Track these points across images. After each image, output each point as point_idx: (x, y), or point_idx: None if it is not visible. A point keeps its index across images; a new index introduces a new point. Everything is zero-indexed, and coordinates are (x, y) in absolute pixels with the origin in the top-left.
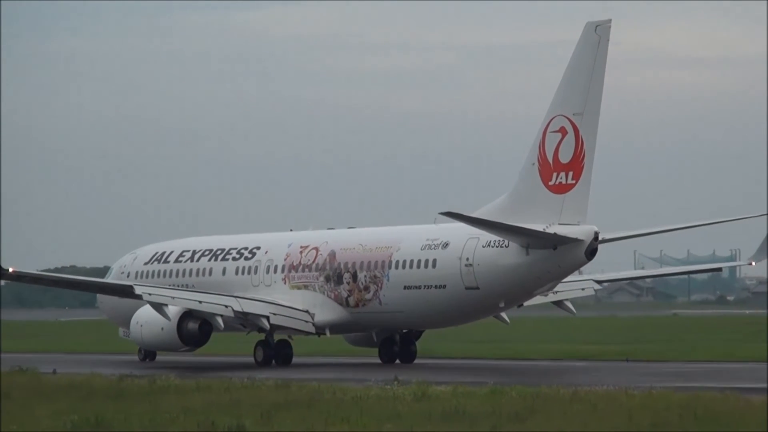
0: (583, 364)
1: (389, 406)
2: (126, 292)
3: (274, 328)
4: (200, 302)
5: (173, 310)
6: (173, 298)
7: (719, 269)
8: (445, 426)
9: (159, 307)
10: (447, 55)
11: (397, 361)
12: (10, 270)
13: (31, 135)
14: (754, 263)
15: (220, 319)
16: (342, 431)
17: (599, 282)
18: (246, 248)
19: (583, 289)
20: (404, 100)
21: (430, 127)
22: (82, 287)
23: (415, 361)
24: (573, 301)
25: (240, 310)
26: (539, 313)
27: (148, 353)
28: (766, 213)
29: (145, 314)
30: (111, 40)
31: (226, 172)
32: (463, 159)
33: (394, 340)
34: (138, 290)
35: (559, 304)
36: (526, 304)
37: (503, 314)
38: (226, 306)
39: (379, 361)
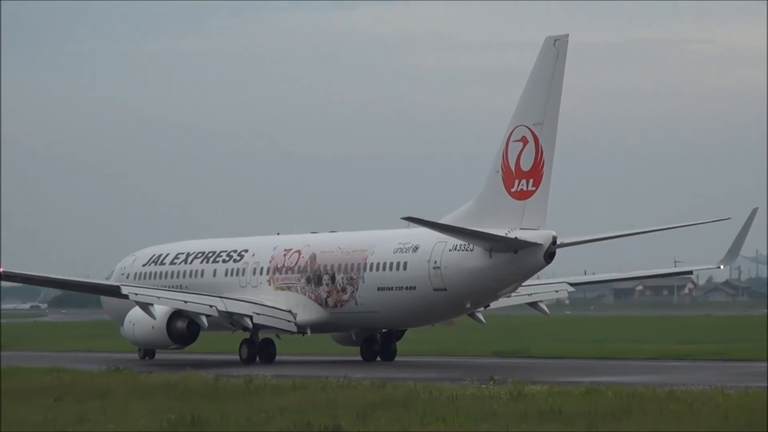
0: (679, 363)
1: (485, 406)
2: (113, 292)
3: (258, 327)
4: (185, 302)
5: (163, 310)
6: (159, 297)
7: (690, 272)
8: (541, 426)
9: (145, 306)
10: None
11: (378, 358)
12: (0, 270)
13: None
14: (722, 266)
15: (204, 318)
16: (438, 431)
17: (573, 285)
18: (235, 251)
19: (557, 291)
20: (495, 98)
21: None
22: (72, 287)
23: (396, 359)
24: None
25: (224, 309)
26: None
27: (147, 351)
28: (729, 218)
29: (137, 314)
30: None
31: (279, 170)
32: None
33: (375, 339)
34: (124, 290)
35: (533, 305)
36: (492, 305)
37: (478, 314)
38: (211, 306)
39: (360, 358)
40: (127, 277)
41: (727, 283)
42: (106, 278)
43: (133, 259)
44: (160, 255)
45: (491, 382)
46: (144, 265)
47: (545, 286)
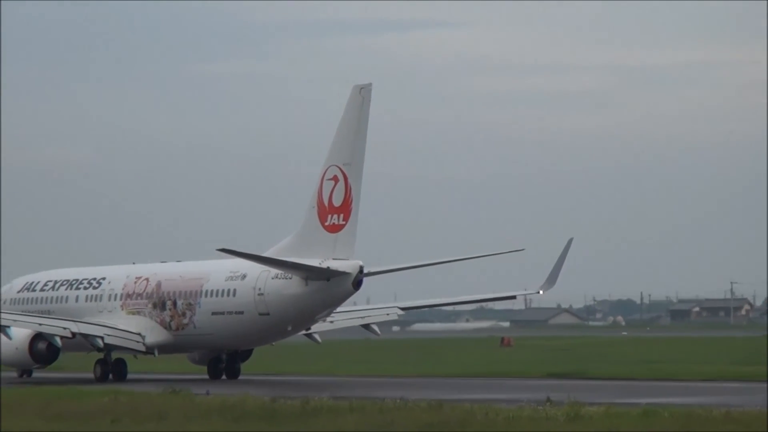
0: (736, 384)
1: (541, 427)
2: None
3: (110, 347)
4: (40, 324)
5: (24, 333)
6: (15, 320)
7: (513, 297)
8: None
9: (2, 328)
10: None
11: (224, 376)
12: None
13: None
14: (542, 292)
15: (58, 339)
16: None
17: (403, 308)
18: (95, 278)
19: (387, 314)
20: (564, 119)
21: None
22: None
23: (240, 377)
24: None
25: (77, 331)
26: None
27: (25, 370)
28: (523, 249)
29: (2, 337)
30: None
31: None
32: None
33: (221, 359)
34: None
35: (366, 327)
36: (326, 328)
37: (314, 335)
38: (65, 328)
39: (208, 376)
40: (5, 303)
41: None
42: None
43: (9, 287)
44: (32, 282)
45: (548, 404)
46: (18, 292)
47: (377, 310)
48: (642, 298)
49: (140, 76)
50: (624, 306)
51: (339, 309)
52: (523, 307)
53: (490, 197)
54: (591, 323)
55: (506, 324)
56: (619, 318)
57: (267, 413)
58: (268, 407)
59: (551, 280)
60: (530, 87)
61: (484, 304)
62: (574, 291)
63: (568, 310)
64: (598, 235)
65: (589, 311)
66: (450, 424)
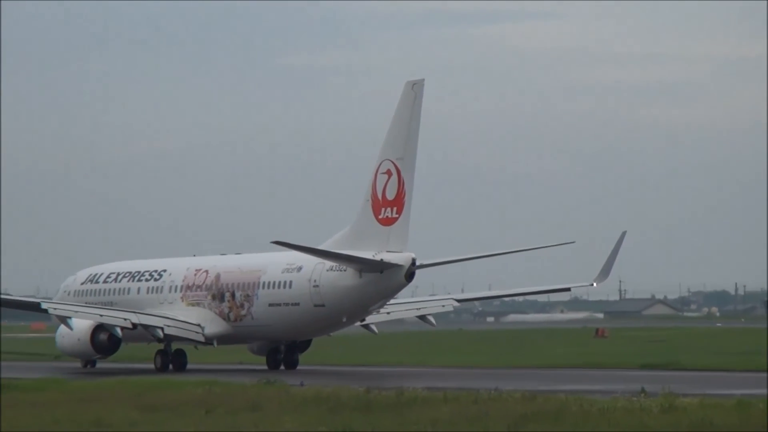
0: None
1: (636, 419)
2: (34, 307)
3: (170, 338)
4: (101, 315)
5: (86, 324)
6: (76, 312)
7: (568, 289)
8: None
9: (63, 319)
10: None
11: (282, 367)
12: None
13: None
14: (595, 284)
15: (119, 330)
16: None
17: (459, 300)
18: (156, 271)
19: (443, 306)
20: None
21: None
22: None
23: (298, 368)
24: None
25: (138, 322)
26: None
27: (89, 361)
28: (573, 241)
29: (65, 328)
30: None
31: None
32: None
33: (279, 350)
34: (44, 305)
35: (422, 318)
36: (369, 319)
37: (371, 326)
38: (125, 319)
39: (266, 367)
40: (68, 295)
41: None
42: (54, 296)
43: (73, 278)
44: (95, 274)
45: (642, 395)
46: (82, 284)
47: (433, 301)
48: (737, 289)
49: (225, 71)
50: (719, 297)
51: (395, 300)
52: (617, 298)
53: (568, 189)
54: (685, 314)
55: (600, 315)
56: (714, 309)
57: (362, 404)
58: (363, 398)
59: (605, 272)
60: (617, 78)
61: (578, 294)
62: (668, 282)
63: (663, 301)
64: (693, 226)
65: (683, 302)
66: (544, 415)
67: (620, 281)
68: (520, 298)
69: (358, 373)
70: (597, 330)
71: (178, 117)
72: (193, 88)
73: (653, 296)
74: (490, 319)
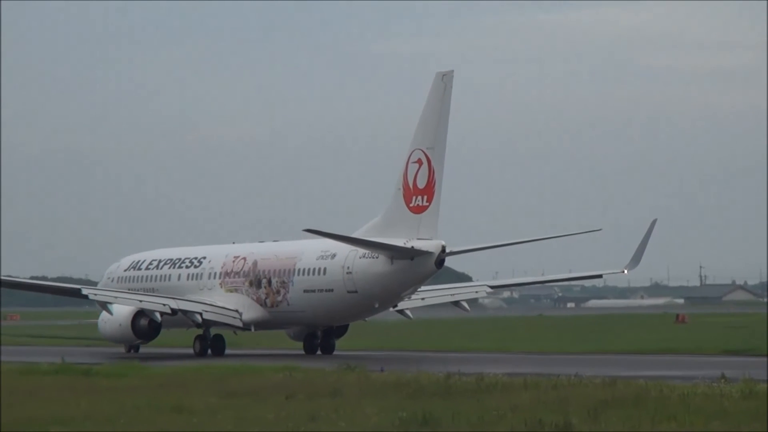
0: None
1: (716, 404)
2: (75, 293)
3: (208, 323)
4: (141, 301)
5: (127, 309)
6: (116, 297)
7: (600, 276)
8: None
9: (104, 305)
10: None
11: (319, 352)
12: None
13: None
14: (626, 271)
15: (158, 315)
16: (669, 430)
17: (492, 287)
18: (196, 258)
19: (476, 292)
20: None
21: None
22: (40, 290)
23: (335, 353)
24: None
25: (177, 308)
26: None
27: (132, 346)
28: (600, 229)
29: (107, 314)
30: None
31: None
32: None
33: (316, 335)
34: (84, 291)
35: (456, 303)
36: (405, 305)
37: (407, 311)
38: (164, 305)
39: (303, 352)
40: (112, 281)
41: None
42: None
43: (117, 265)
44: (138, 261)
45: (722, 381)
46: (125, 270)
47: (466, 287)
48: None
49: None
50: None
51: (428, 287)
52: (698, 283)
53: (633, 172)
54: (766, 300)
55: (681, 301)
56: None
57: (442, 389)
58: (443, 384)
59: (636, 259)
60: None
61: (658, 280)
62: (749, 268)
63: (743, 287)
64: None
65: (764, 288)
66: (624, 401)
67: (701, 267)
68: (601, 283)
69: (438, 359)
70: (677, 316)
71: (231, 107)
72: (240, 80)
73: (734, 282)
74: (571, 304)
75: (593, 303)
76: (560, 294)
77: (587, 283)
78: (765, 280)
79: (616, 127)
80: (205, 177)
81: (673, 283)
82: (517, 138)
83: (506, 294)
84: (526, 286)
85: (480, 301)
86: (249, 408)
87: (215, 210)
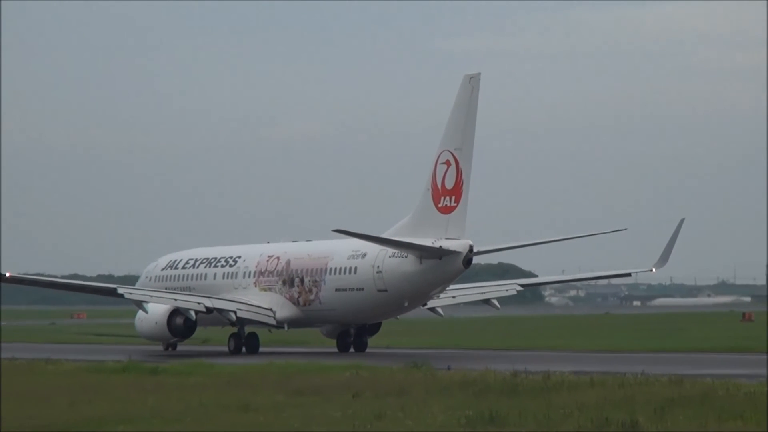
0: None
1: None
2: (110, 292)
3: (242, 321)
4: (176, 300)
5: (163, 308)
6: (151, 296)
7: (628, 274)
8: None
9: (139, 303)
10: None
11: (351, 349)
12: (8, 274)
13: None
14: (654, 270)
15: (193, 313)
16: (736, 430)
17: (523, 285)
18: (231, 257)
19: (506, 290)
20: None
21: None
22: (74, 289)
23: (367, 350)
24: None
25: (211, 306)
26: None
27: (170, 344)
28: (625, 228)
29: (143, 312)
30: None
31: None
32: None
33: (349, 333)
34: (120, 290)
35: (486, 301)
36: (436, 303)
37: (438, 309)
38: (199, 303)
39: (336, 349)
40: (150, 280)
41: None
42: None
43: (155, 264)
44: (175, 260)
45: None
46: (162, 270)
47: (497, 286)
48: None
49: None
50: None
51: (460, 285)
52: (764, 282)
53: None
54: None
55: (747, 299)
56: None
57: (508, 388)
58: (510, 382)
59: (664, 258)
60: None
61: (725, 279)
62: None
63: None
64: None
65: None
66: (690, 399)
67: (767, 265)
68: (667, 281)
69: (504, 357)
70: (744, 314)
71: (268, 107)
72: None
73: None
74: (637, 303)
75: (659, 301)
76: (626, 293)
77: (653, 281)
78: None
79: (653, 125)
80: (243, 177)
81: (739, 281)
82: (542, 138)
83: (573, 292)
84: (592, 285)
85: (547, 299)
86: (315, 406)
87: (249, 209)
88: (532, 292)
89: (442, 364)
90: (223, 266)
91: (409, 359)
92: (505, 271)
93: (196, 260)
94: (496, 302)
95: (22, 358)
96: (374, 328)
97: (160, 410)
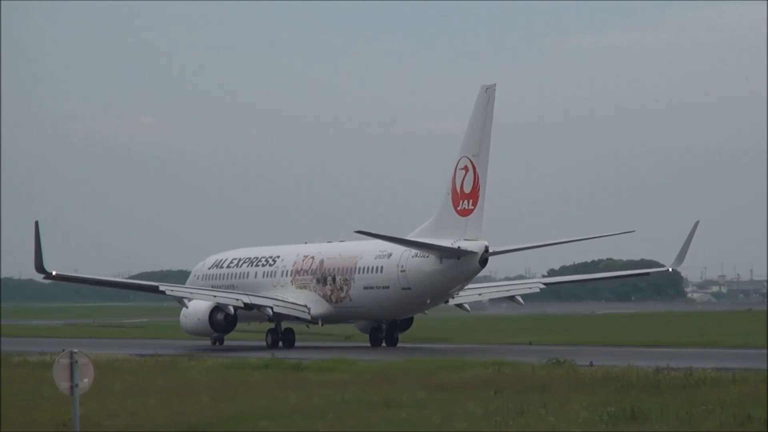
0: None
1: None
2: (153, 289)
3: (279, 317)
4: (215, 296)
5: (206, 305)
6: (192, 293)
7: (647, 274)
8: None
9: (180, 299)
10: None
11: (384, 344)
12: (54, 273)
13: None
14: (671, 269)
15: (231, 308)
16: None
17: (546, 283)
18: (271, 257)
19: (530, 288)
20: None
21: None
22: (120, 286)
23: (398, 345)
24: None
25: (249, 302)
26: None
27: (217, 338)
28: (633, 230)
29: (186, 309)
30: None
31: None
32: None
33: (381, 329)
34: (162, 287)
35: (511, 298)
36: (475, 299)
37: (465, 305)
38: (237, 299)
39: (369, 344)
40: (197, 278)
41: None
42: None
43: (202, 264)
44: (221, 260)
45: None
46: (209, 268)
47: (521, 284)
48: None
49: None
50: None
51: (485, 283)
52: None
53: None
54: None
55: None
56: None
57: (650, 384)
58: (652, 378)
59: (680, 258)
60: None
61: None
62: None
63: None
64: None
65: None
66: None
67: None
68: None
69: (646, 353)
70: None
71: (291, 109)
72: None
73: None
74: None
75: None
76: None
77: None
78: None
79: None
80: (281, 178)
81: None
82: (559, 139)
83: (715, 289)
84: (734, 281)
85: (689, 296)
86: (457, 402)
87: (292, 209)
88: (674, 288)
89: (585, 360)
90: (263, 265)
91: (551, 355)
92: (647, 265)
93: (240, 260)
94: (520, 299)
95: (165, 354)
96: (405, 324)
97: (302, 407)
